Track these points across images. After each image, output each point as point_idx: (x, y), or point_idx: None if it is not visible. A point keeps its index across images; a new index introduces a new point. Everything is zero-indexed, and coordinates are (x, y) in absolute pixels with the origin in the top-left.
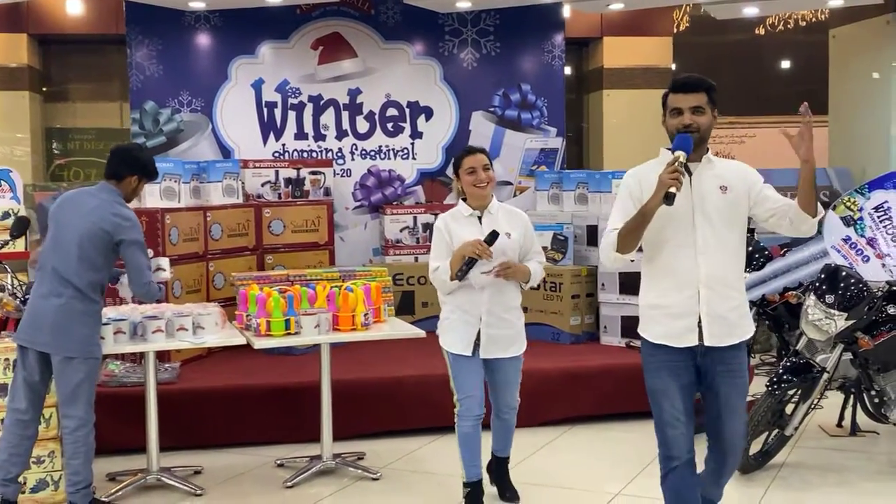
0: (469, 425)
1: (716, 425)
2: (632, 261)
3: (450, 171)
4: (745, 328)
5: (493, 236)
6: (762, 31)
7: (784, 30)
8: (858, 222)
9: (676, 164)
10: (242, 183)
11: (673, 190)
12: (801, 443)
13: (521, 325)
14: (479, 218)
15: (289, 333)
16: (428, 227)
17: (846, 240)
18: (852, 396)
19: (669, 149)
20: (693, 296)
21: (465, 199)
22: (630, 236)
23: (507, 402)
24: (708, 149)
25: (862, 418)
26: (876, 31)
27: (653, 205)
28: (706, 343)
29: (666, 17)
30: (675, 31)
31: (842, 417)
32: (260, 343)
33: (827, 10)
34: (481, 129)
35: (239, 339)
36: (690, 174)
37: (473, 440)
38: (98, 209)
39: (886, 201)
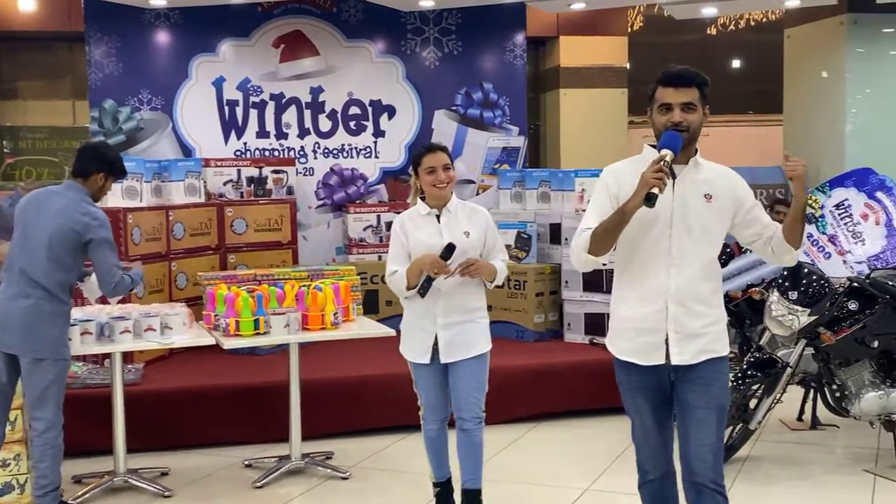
0: (434, 428)
1: (684, 438)
2: (604, 264)
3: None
4: (720, 345)
5: (448, 250)
6: (714, 31)
7: (736, 29)
8: (820, 220)
9: (662, 163)
10: (204, 182)
11: (655, 191)
12: (763, 437)
13: (485, 325)
14: (438, 217)
15: (258, 333)
16: (391, 225)
17: (808, 237)
18: (812, 390)
19: (654, 146)
20: (661, 310)
21: (423, 198)
22: (605, 237)
23: (469, 409)
24: (696, 150)
25: (822, 412)
26: (830, 32)
27: (632, 205)
28: (673, 362)
29: (621, 17)
30: (630, 30)
31: (802, 411)
32: (229, 343)
33: (781, 11)
34: (444, 127)
35: (208, 340)
36: (674, 177)
37: (439, 442)
38: (66, 208)
39: (847, 199)
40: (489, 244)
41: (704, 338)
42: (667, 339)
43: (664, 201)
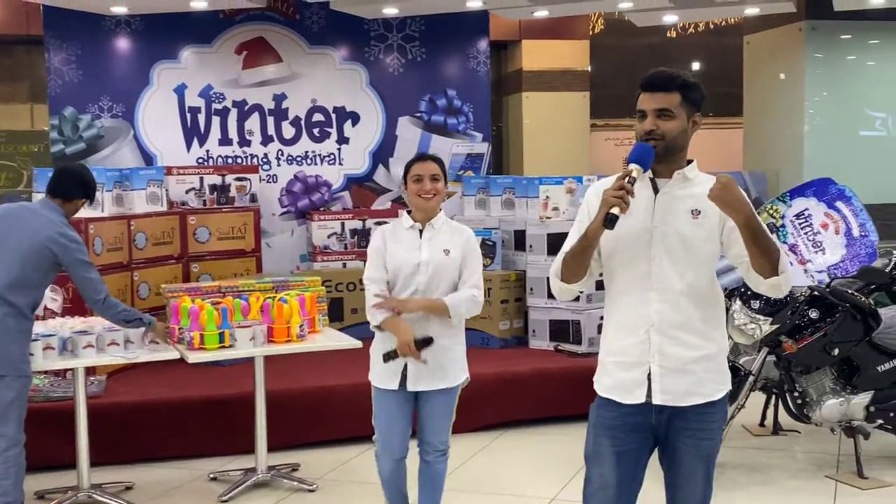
0: (388, 468)
1: (670, 491)
2: (581, 292)
3: (379, 178)
4: (716, 385)
5: (425, 342)
6: (674, 34)
7: (696, 32)
8: (781, 229)
9: (626, 179)
10: (166, 190)
11: (615, 211)
12: (726, 443)
13: (460, 354)
14: (421, 231)
15: (223, 346)
16: (356, 232)
17: None
18: (774, 397)
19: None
20: (643, 341)
21: (409, 211)
22: (572, 263)
23: (433, 442)
24: (689, 161)
25: (783, 417)
26: (789, 38)
27: (593, 227)
28: (654, 401)
29: (583, 21)
30: (591, 33)
31: (764, 417)
32: (194, 357)
33: (741, 17)
34: (408, 134)
35: (172, 354)
36: (657, 191)
37: (395, 479)
38: (45, 229)
39: (807, 208)
40: (466, 269)
41: (693, 375)
42: (649, 375)
43: (643, 220)
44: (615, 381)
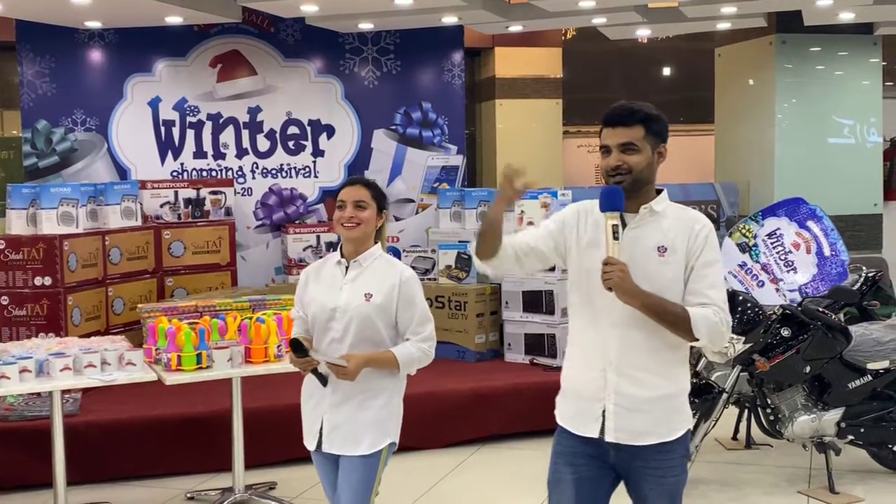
0: None
1: None
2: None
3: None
4: (673, 425)
5: (294, 346)
6: (646, 40)
7: (666, 38)
8: (753, 248)
9: (613, 232)
10: (141, 204)
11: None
12: (700, 457)
13: (387, 414)
14: (347, 268)
15: (200, 367)
16: (331, 245)
17: (742, 265)
18: (747, 411)
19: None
20: (599, 378)
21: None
22: (480, 239)
23: None
24: (660, 191)
25: (755, 431)
26: (760, 51)
27: (492, 211)
28: (607, 438)
29: (555, 28)
30: (563, 39)
31: (737, 430)
32: (172, 379)
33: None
34: (383, 146)
35: (149, 376)
36: (625, 226)
37: None
38: None
39: (778, 228)
40: (402, 317)
41: (649, 415)
42: (604, 412)
43: (606, 254)
44: (572, 412)
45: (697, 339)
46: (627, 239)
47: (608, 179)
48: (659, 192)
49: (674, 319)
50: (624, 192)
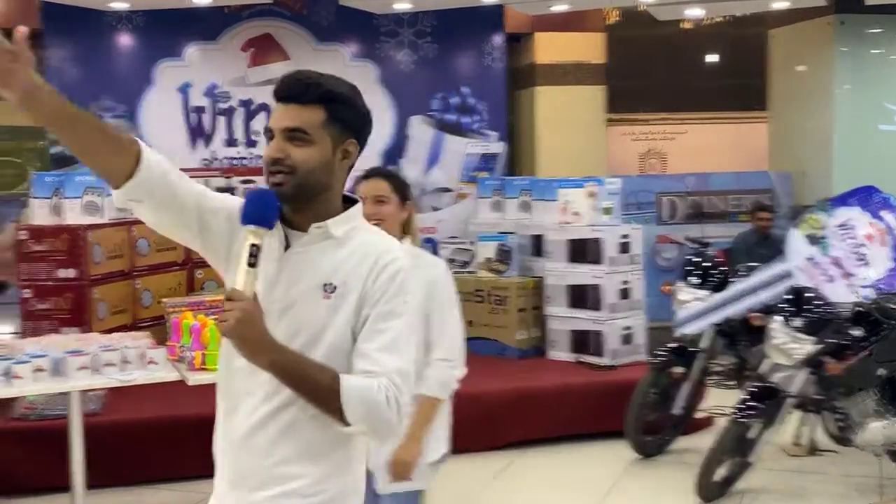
0: None
1: None
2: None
3: None
4: None
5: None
6: (692, 25)
7: (714, 23)
8: (822, 241)
9: (247, 248)
10: None
11: None
12: (761, 464)
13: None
14: None
15: None
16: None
17: (810, 259)
18: (811, 414)
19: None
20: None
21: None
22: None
23: None
24: (352, 203)
25: (819, 435)
26: (817, 32)
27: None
28: None
29: (597, 13)
30: (605, 24)
31: (799, 435)
32: (195, 378)
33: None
34: (420, 133)
35: (172, 376)
36: (287, 247)
37: None
38: None
39: (850, 219)
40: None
41: None
42: None
43: (261, 290)
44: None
45: (349, 424)
46: (288, 266)
47: (267, 178)
48: (350, 205)
49: (313, 389)
50: (285, 200)
